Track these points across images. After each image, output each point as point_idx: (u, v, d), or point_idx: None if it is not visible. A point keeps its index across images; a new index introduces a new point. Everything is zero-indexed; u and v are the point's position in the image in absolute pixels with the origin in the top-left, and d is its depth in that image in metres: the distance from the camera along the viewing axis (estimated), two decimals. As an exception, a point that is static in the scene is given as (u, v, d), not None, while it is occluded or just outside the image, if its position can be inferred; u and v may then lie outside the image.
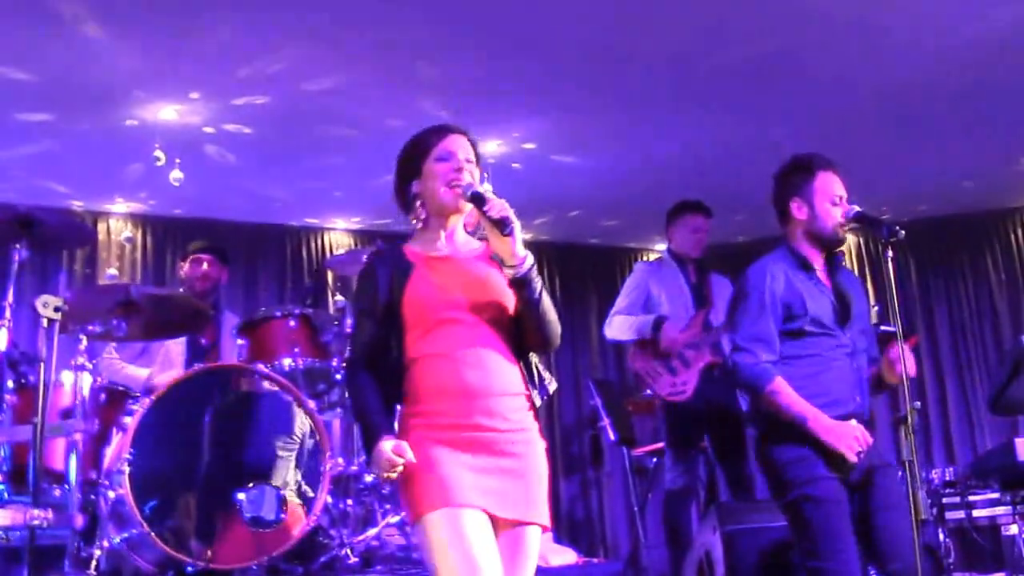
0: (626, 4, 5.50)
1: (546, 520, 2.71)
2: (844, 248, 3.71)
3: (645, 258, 9.45)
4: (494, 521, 2.61)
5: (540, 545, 2.74)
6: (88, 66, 5.86)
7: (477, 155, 2.95)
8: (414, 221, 2.92)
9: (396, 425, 2.73)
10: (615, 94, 6.65)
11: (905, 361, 3.40)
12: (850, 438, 3.38)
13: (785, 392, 3.47)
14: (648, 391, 5.99)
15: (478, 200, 2.73)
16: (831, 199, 3.63)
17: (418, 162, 2.89)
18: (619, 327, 5.67)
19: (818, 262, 3.68)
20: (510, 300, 2.77)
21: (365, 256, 5.18)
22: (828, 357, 3.55)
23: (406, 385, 2.73)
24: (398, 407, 2.78)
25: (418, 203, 2.89)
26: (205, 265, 5.78)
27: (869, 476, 3.51)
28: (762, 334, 3.55)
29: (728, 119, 7.10)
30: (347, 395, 2.51)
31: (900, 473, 3.49)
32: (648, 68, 6.28)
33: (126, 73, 6.01)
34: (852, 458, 3.38)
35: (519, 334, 2.79)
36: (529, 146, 7.29)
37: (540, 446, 2.77)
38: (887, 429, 5.92)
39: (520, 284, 2.71)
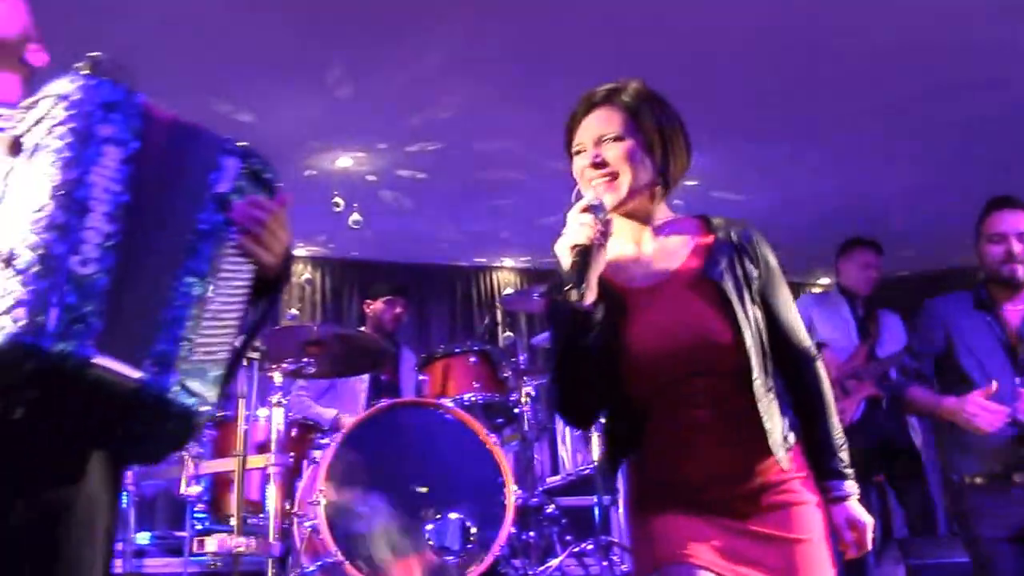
0: (787, 48, 5.58)
1: None
2: None
3: (807, 292, 9.37)
4: None
5: None
6: (267, 118, 6.21)
7: (639, 119, 2.17)
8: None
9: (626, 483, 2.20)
10: (776, 134, 6.70)
11: None
12: (976, 406, 3.22)
13: (919, 394, 3.51)
14: None
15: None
16: (988, 237, 3.59)
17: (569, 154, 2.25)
18: None
19: (1010, 303, 3.58)
20: (725, 351, 2.05)
21: (537, 294, 5.36)
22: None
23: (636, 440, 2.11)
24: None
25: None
26: (399, 308, 6.06)
27: None
28: (915, 363, 3.62)
29: (891, 157, 7.08)
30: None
31: None
32: (810, 108, 6.32)
33: (304, 124, 6.34)
34: (986, 428, 3.22)
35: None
36: (691, 183, 7.35)
37: (811, 504, 2.08)
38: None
39: None
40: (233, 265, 1.79)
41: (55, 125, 1.61)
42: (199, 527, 4.74)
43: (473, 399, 4.96)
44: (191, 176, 1.78)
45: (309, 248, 8.55)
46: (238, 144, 1.86)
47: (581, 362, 2.02)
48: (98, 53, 1.72)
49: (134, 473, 4.81)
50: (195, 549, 4.34)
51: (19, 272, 1.52)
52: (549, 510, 4.97)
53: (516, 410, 5.06)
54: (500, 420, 5.15)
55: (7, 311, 1.50)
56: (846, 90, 6.12)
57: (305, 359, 4.68)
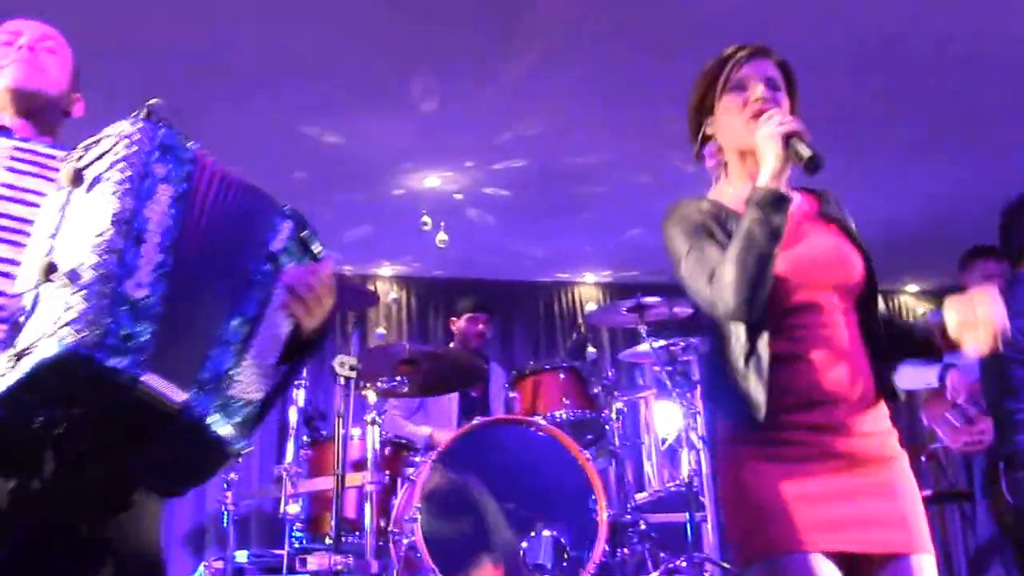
0: (911, 47, 5.56)
1: (930, 546, 2.06)
2: None
3: (895, 301, 9.25)
4: (866, 559, 2.01)
5: None
6: (357, 140, 6.34)
7: (790, 79, 2.27)
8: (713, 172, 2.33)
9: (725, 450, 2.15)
10: (861, 144, 6.64)
11: None
12: None
13: None
14: (939, 443, 5.70)
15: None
16: None
17: (709, 96, 2.28)
18: (906, 377, 5.43)
19: None
20: (860, 274, 2.18)
21: (626, 308, 5.37)
22: None
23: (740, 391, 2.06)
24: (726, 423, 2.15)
25: (715, 148, 2.30)
26: (481, 325, 6.14)
27: None
28: None
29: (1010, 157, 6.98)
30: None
31: None
32: (934, 109, 6.29)
33: (394, 145, 6.44)
34: None
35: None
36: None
37: (905, 459, 2.14)
38: None
39: None
40: (276, 317, 1.92)
41: (116, 160, 1.74)
42: (297, 545, 4.81)
43: (563, 416, 4.99)
44: (247, 228, 1.92)
45: (395, 267, 8.66)
46: (293, 211, 2.01)
47: (766, 252, 1.99)
48: (155, 100, 1.85)
49: (232, 493, 4.91)
50: (296, 567, 4.42)
51: (80, 288, 1.62)
52: (641, 527, 4.97)
53: (607, 427, 5.07)
54: (590, 437, 5.17)
55: (68, 323, 1.59)
56: (969, 89, 6.06)
57: (398, 378, 4.75)
